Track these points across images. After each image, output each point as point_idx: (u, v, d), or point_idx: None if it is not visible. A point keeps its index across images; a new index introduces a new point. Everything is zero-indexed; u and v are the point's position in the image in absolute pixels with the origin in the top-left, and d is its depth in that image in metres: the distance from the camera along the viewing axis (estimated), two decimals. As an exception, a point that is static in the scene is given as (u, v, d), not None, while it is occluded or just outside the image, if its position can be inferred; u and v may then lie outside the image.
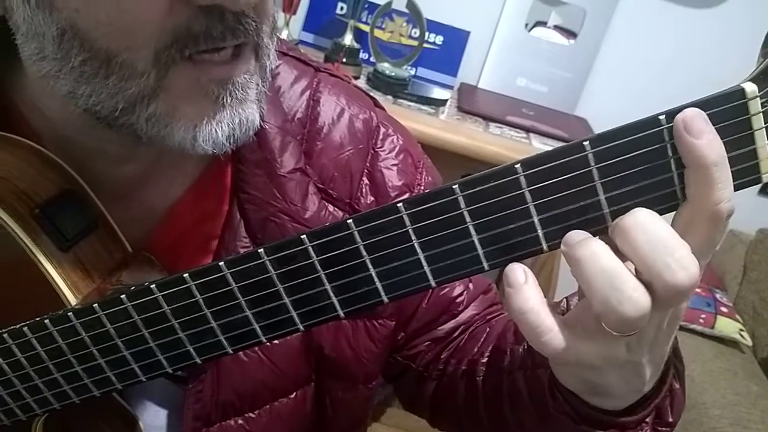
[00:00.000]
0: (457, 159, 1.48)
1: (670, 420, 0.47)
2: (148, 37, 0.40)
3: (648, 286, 0.34)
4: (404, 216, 0.37)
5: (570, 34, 1.87)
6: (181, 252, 0.55)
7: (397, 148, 0.61)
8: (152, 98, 0.42)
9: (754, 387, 1.56)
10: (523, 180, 0.35)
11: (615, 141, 0.34)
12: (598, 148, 0.34)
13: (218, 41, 0.42)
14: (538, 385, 0.49)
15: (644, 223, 0.34)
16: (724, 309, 1.71)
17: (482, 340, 0.61)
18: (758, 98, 0.33)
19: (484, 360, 0.58)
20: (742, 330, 1.70)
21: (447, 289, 0.63)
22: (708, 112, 0.33)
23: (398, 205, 0.37)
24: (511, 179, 0.35)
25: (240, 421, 0.57)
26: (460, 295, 0.64)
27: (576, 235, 0.35)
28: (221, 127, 0.44)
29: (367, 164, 0.59)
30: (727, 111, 0.33)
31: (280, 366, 0.56)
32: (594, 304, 0.34)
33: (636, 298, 0.33)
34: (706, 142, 0.33)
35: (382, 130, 0.61)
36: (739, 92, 0.33)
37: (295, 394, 0.58)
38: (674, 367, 0.47)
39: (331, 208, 0.57)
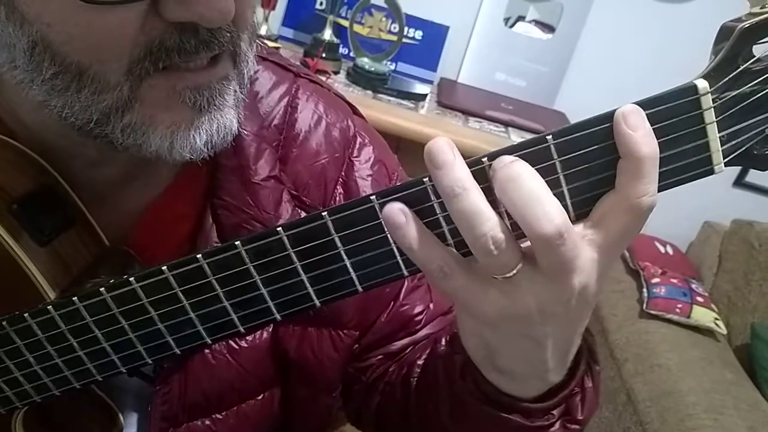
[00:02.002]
0: (436, 153, 1.49)
1: (580, 418, 0.48)
2: (120, 52, 0.41)
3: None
4: (376, 206, 0.38)
5: (548, 28, 1.89)
6: (154, 254, 0.55)
7: (372, 159, 0.61)
8: (126, 109, 0.43)
9: (728, 375, 1.59)
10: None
11: (576, 134, 0.35)
12: (559, 140, 0.35)
13: (192, 54, 0.42)
14: (451, 369, 0.50)
15: (520, 177, 0.35)
16: (699, 299, 1.74)
17: (426, 347, 0.61)
18: (709, 94, 0.34)
19: (420, 362, 0.59)
20: (717, 319, 1.72)
21: (407, 306, 0.64)
22: (663, 107, 0.35)
23: (371, 197, 0.38)
24: (480, 167, 0.36)
25: (207, 422, 0.57)
26: (420, 313, 0.64)
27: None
28: (199, 134, 0.45)
29: (343, 173, 0.59)
30: (680, 106, 0.35)
31: (248, 368, 0.56)
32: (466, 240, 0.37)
33: (492, 234, 0.35)
34: (642, 135, 0.34)
35: (359, 140, 0.61)
36: (692, 88, 0.35)
37: (262, 395, 0.59)
38: (589, 367, 0.48)
39: (303, 215, 0.57)
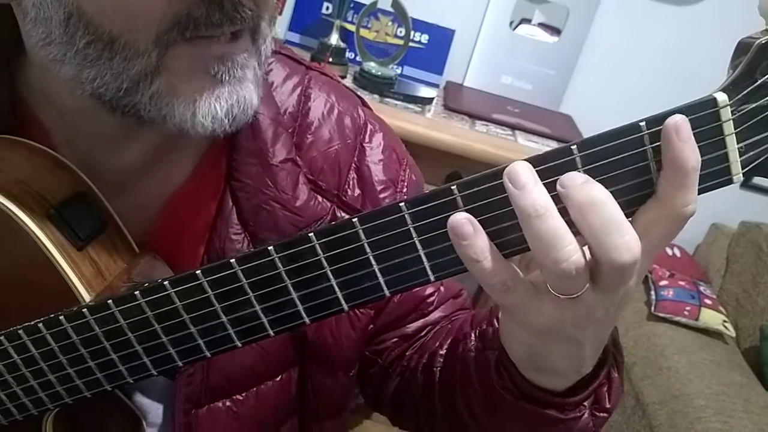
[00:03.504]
0: (444, 157, 1.50)
1: (608, 406, 0.50)
2: (150, 22, 0.43)
3: (595, 261, 0.37)
4: (405, 215, 0.39)
5: (554, 31, 1.90)
6: (180, 239, 0.57)
7: (383, 145, 0.64)
8: (155, 76, 0.45)
9: (737, 377, 1.59)
10: None
11: (601, 145, 0.37)
12: (585, 152, 0.37)
13: (216, 27, 0.45)
14: (485, 365, 0.51)
15: (601, 202, 0.36)
16: (708, 301, 1.74)
17: (444, 335, 0.63)
18: (728, 107, 0.36)
19: (443, 352, 0.60)
20: (725, 321, 1.73)
21: (418, 288, 0.65)
22: None
23: (400, 204, 0.39)
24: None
25: (228, 403, 0.59)
26: (431, 295, 0.66)
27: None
28: (220, 103, 0.47)
29: (355, 159, 0.62)
30: (701, 118, 0.36)
31: (268, 350, 0.58)
32: (538, 260, 0.37)
33: (574, 259, 0.36)
34: (691, 147, 0.36)
35: (370, 127, 0.64)
36: (712, 101, 0.36)
37: (280, 377, 0.60)
38: (614, 358, 0.50)
39: (320, 198, 0.59)
